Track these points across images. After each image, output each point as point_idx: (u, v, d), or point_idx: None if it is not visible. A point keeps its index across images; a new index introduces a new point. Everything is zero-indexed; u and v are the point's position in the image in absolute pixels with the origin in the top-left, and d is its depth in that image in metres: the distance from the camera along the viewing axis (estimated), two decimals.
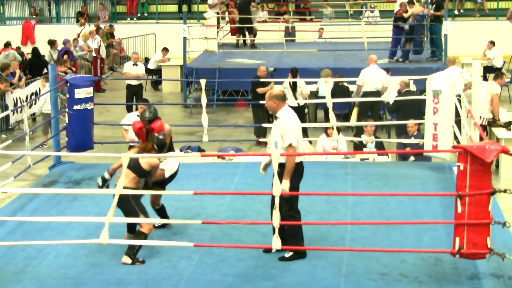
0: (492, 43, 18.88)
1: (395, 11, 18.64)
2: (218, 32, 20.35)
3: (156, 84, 20.40)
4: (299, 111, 14.75)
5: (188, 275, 6.81)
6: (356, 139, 11.88)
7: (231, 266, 6.98)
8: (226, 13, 20.93)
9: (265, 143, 12.95)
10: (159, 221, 7.61)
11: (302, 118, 14.74)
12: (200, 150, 11.28)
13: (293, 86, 14.33)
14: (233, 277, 6.76)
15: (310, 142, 11.86)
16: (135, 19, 26.54)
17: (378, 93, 13.93)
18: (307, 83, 14.38)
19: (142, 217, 7.03)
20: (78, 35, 21.49)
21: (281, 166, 6.86)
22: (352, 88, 14.79)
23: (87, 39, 21.25)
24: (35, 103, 14.95)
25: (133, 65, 16.11)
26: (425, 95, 10.14)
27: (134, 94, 16.05)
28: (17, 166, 10.25)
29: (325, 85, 12.87)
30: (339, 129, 12.15)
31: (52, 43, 20.60)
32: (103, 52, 21.35)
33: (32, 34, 24.88)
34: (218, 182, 9.06)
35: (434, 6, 17.88)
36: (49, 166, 10.55)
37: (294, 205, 7.10)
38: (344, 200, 8.47)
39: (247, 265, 6.99)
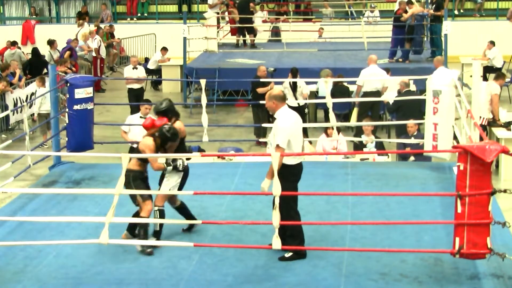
0: (492, 43, 18.88)
1: (394, 11, 18.66)
2: (218, 32, 20.35)
3: (156, 84, 20.39)
4: (299, 111, 14.76)
5: (188, 275, 6.81)
6: (356, 139, 11.88)
7: (231, 266, 6.98)
8: (226, 13, 20.94)
9: (265, 143, 12.95)
10: (160, 221, 7.60)
11: (302, 118, 14.72)
12: (200, 150, 11.28)
13: (293, 86, 14.33)
14: (233, 277, 6.76)
15: (310, 142, 11.87)
16: (135, 19, 26.56)
17: (378, 93, 13.93)
18: (307, 83, 14.38)
19: (141, 201, 7.21)
20: (76, 35, 21.46)
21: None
22: (352, 88, 14.80)
23: (87, 39, 21.25)
24: (34, 104, 14.93)
25: (133, 68, 15.91)
26: (425, 95, 10.14)
27: (136, 97, 15.66)
28: (17, 166, 10.25)
29: (325, 85, 12.87)
30: (339, 129, 12.15)
31: (51, 43, 20.60)
32: (103, 52, 21.34)
33: (32, 34, 24.89)
34: (218, 182, 9.06)
35: (434, 6, 17.88)
36: (49, 166, 10.55)
37: (292, 206, 7.09)
38: (344, 200, 8.47)
39: (247, 265, 6.99)
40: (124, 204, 8.13)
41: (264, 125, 11.90)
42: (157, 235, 7.40)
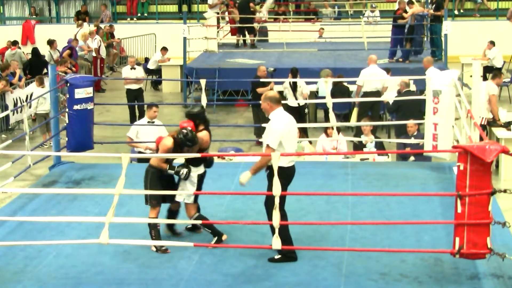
0: (492, 43, 18.87)
1: (394, 11, 18.66)
2: (218, 32, 20.35)
3: (156, 84, 20.39)
4: (299, 111, 14.78)
5: (188, 275, 6.81)
6: (356, 139, 11.88)
7: (231, 266, 6.98)
8: (226, 13, 20.94)
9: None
10: (162, 221, 7.60)
11: (302, 118, 14.77)
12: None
13: (293, 86, 14.33)
14: (233, 277, 6.76)
15: (310, 142, 11.87)
16: (135, 19, 26.56)
17: (378, 93, 13.93)
18: (307, 83, 14.38)
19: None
20: (75, 36, 21.45)
21: (269, 167, 6.93)
22: (352, 88, 14.80)
23: (86, 39, 21.25)
24: (31, 104, 14.88)
25: (131, 69, 15.76)
26: (425, 95, 10.14)
27: (135, 98, 15.65)
28: (17, 166, 10.26)
29: (325, 85, 12.87)
30: (339, 129, 12.15)
31: (51, 43, 20.60)
32: (103, 52, 21.34)
33: (32, 34, 24.89)
34: (218, 182, 9.05)
35: (434, 6, 17.88)
36: (49, 166, 10.55)
37: (281, 207, 7.08)
38: (344, 200, 8.47)
39: (247, 265, 6.99)
40: (124, 204, 8.16)
41: (264, 125, 11.77)
42: (215, 234, 7.39)
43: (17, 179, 9.97)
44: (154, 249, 7.28)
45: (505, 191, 6.16)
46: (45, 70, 17.37)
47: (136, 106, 15.55)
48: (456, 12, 24.86)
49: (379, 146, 11.80)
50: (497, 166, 12.02)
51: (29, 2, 27.11)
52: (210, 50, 19.62)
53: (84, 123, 10.41)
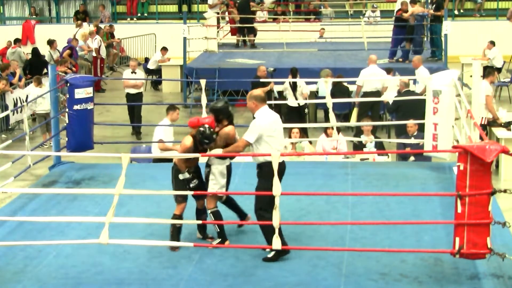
0: (492, 43, 18.87)
1: (395, 11, 18.65)
2: (218, 32, 20.35)
3: (156, 84, 20.39)
4: (299, 111, 14.79)
5: (188, 275, 6.81)
6: (356, 139, 11.88)
7: (231, 266, 6.98)
8: (226, 13, 20.94)
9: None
10: (161, 221, 7.60)
11: (302, 118, 14.78)
12: None
13: (293, 86, 14.33)
14: (233, 277, 6.76)
15: (310, 142, 11.87)
16: (135, 19, 26.56)
17: (378, 93, 13.93)
18: (307, 83, 14.39)
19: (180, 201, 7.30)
20: (74, 36, 21.45)
21: (259, 166, 7.07)
22: (352, 88, 14.80)
23: (86, 39, 21.25)
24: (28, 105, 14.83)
25: (132, 73, 15.27)
26: (425, 95, 10.14)
27: (133, 102, 15.27)
28: (17, 166, 10.26)
29: (325, 85, 12.87)
30: (339, 129, 12.15)
31: (51, 43, 20.60)
32: (103, 52, 21.34)
33: (32, 34, 24.88)
34: None
35: (434, 6, 17.88)
36: (49, 166, 10.55)
37: (265, 207, 7.08)
38: (344, 200, 8.47)
39: (247, 265, 6.99)
40: (124, 204, 8.16)
41: None
42: (221, 235, 7.38)
43: (17, 179, 9.97)
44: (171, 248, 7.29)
45: (505, 191, 6.16)
46: (45, 70, 17.36)
47: (135, 111, 15.28)
48: (456, 12, 24.87)
49: (379, 146, 11.80)
50: (497, 166, 12.03)
51: (29, 2, 27.11)
52: (210, 50, 19.62)
53: (84, 123, 10.41)
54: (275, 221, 6.52)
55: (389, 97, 13.55)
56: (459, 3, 25.15)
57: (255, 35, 20.73)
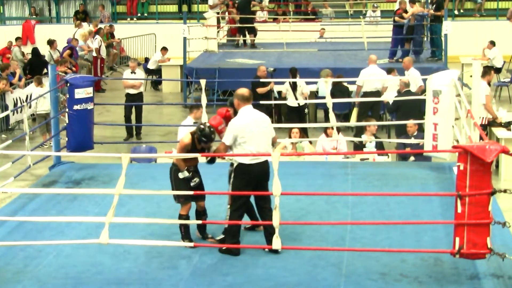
0: (492, 43, 18.87)
1: (394, 11, 18.65)
2: (218, 32, 20.35)
3: (156, 84, 20.39)
4: (299, 111, 14.79)
5: (188, 275, 6.81)
6: (356, 139, 11.88)
7: (231, 266, 6.98)
8: (226, 13, 20.94)
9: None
10: (159, 221, 7.60)
11: (302, 118, 14.78)
12: None
13: (293, 86, 14.33)
14: (233, 277, 6.76)
15: (310, 142, 11.87)
16: (135, 19, 26.56)
17: (378, 93, 13.93)
18: (307, 83, 14.38)
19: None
20: (74, 35, 21.44)
21: (235, 167, 7.17)
22: (352, 88, 14.80)
23: (86, 39, 21.25)
24: (30, 105, 14.80)
25: (131, 73, 15.14)
26: (425, 95, 10.14)
27: (132, 104, 15.08)
28: (17, 166, 10.26)
29: (325, 85, 12.87)
30: (339, 129, 12.15)
31: (51, 43, 20.59)
32: (103, 52, 21.34)
33: (32, 34, 24.88)
34: (218, 182, 9.05)
35: (434, 6, 17.88)
36: (49, 166, 10.55)
37: (238, 206, 7.20)
38: (344, 200, 8.47)
39: (247, 265, 6.99)
40: (124, 204, 8.16)
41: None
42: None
43: (17, 179, 9.97)
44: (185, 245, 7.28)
45: (505, 191, 6.16)
46: (45, 70, 17.36)
47: (134, 111, 15.16)
48: (456, 12, 24.87)
49: (379, 146, 11.80)
50: (497, 166, 12.02)
51: (29, 2, 27.11)
52: (210, 50, 19.62)
53: (84, 123, 10.40)
54: (275, 221, 6.52)
55: (389, 97, 13.55)
56: (459, 3, 25.15)
57: (255, 35, 20.73)
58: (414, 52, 17.96)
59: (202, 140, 7.21)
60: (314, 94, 15.54)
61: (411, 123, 11.36)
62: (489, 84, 12.69)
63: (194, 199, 7.43)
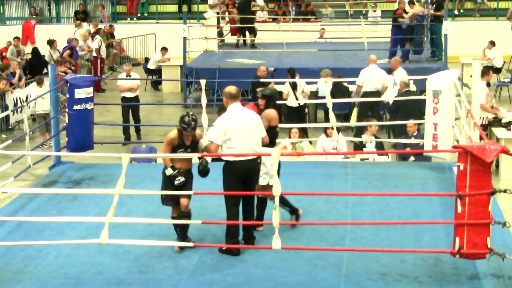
0: (492, 43, 18.87)
1: (394, 11, 18.64)
2: (218, 32, 20.35)
3: (156, 84, 20.39)
4: (299, 111, 14.79)
5: (188, 275, 6.81)
6: (356, 139, 11.88)
7: (231, 266, 6.98)
8: (226, 13, 20.93)
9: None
10: (158, 221, 7.60)
11: (302, 118, 14.77)
12: None
13: (293, 86, 14.32)
14: (233, 277, 6.76)
15: (310, 142, 11.87)
16: (135, 19, 26.55)
17: (378, 93, 13.92)
18: (307, 83, 14.38)
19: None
20: (74, 36, 21.43)
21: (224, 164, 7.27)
22: (352, 88, 14.79)
23: (86, 39, 21.24)
24: (29, 106, 14.76)
25: (127, 76, 14.93)
26: (425, 95, 10.14)
27: (129, 107, 14.85)
28: (17, 166, 10.26)
29: (325, 85, 12.87)
30: (339, 129, 12.15)
31: (51, 43, 20.59)
32: (103, 52, 21.33)
33: (32, 34, 24.87)
34: (218, 182, 9.04)
35: (434, 6, 17.87)
36: (49, 166, 10.55)
37: (229, 206, 7.23)
38: (344, 200, 8.47)
39: (247, 265, 6.99)
40: (124, 204, 8.16)
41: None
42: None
43: (17, 179, 9.97)
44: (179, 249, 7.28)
45: (505, 191, 6.16)
46: (45, 70, 17.35)
47: (133, 114, 15.01)
48: (456, 12, 24.86)
49: (379, 146, 11.80)
50: (497, 166, 12.02)
51: (29, 2, 27.11)
52: (210, 50, 19.61)
53: (84, 123, 10.41)
54: (275, 221, 6.52)
55: (389, 97, 13.54)
56: (459, 3, 25.14)
57: (255, 35, 20.72)
58: (414, 52, 17.95)
59: (182, 126, 7.17)
60: (314, 94, 15.53)
61: (411, 123, 11.36)
62: (488, 84, 12.69)
63: (177, 199, 7.36)
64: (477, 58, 14.51)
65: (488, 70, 13.32)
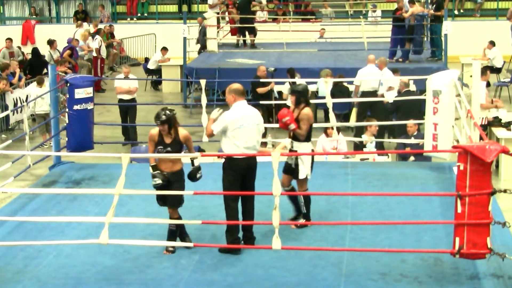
0: (492, 43, 18.87)
1: (393, 11, 18.64)
2: (218, 32, 20.34)
3: (156, 84, 20.38)
4: None
5: (188, 275, 6.81)
6: (356, 139, 11.88)
7: (231, 266, 6.98)
8: (226, 13, 20.93)
9: (265, 143, 12.95)
10: (156, 221, 7.59)
11: None
12: (200, 150, 11.26)
13: None
14: (233, 277, 6.76)
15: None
16: (135, 19, 26.55)
17: (375, 93, 13.90)
18: (307, 83, 14.35)
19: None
20: (74, 35, 21.41)
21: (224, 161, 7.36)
22: (352, 88, 14.78)
23: (86, 39, 21.23)
24: (29, 106, 14.74)
25: (124, 78, 14.53)
26: (425, 95, 10.15)
27: (127, 109, 14.64)
28: (17, 166, 10.26)
29: (325, 85, 12.86)
30: (339, 129, 12.15)
31: (51, 43, 20.57)
32: (103, 52, 21.32)
33: (32, 34, 24.87)
34: (218, 182, 9.04)
35: (434, 6, 17.87)
36: (49, 166, 10.55)
37: (228, 202, 7.27)
38: (344, 200, 8.47)
39: (247, 265, 7.00)
40: (124, 204, 8.17)
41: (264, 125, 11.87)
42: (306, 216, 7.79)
43: (17, 179, 9.97)
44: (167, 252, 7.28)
45: (505, 191, 6.16)
46: (45, 70, 17.34)
47: (129, 117, 14.76)
48: (456, 12, 24.86)
49: (379, 146, 11.79)
50: (497, 166, 12.02)
51: (29, 2, 27.10)
52: (210, 50, 19.61)
53: (84, 123, 10.41)
54: (275, 221, 6.52)
55: (389, 97, 13.54)
56: (459, 3, 25.14)
57: (255, 35, 20.72)
58: (414, 52, 17.95)
59: (157, 123, 7.24)
60: (314, 94, 15.52)
61: (411, 123, 11.36)
62: (488, 84, 12.70)
63: (158, 201, 7.36)
64: (477, 58, 14.51)
65: (485, 70, 13.31)
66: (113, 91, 19.69)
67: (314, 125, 13.81)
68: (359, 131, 12.41)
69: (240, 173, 7.26)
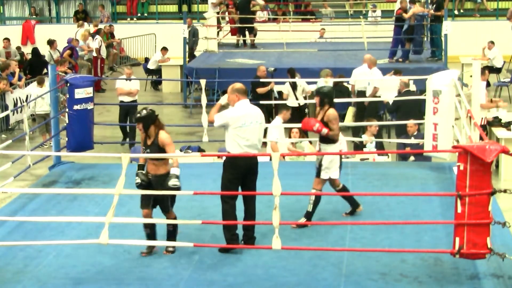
0: (492, 43, 18.87)
1: (395, 11, 18.64)
2: (218, 32, 20.34)
3: (156, 84, 20.38)
4: (299, 111, 14.76)
5: (188, 275, 6.81)
6: (356, 139, 11.87)
7: (231, 266, 6.98)
8: (226, 13, 20.93)
9: (265, 143, 12.95)
10: (155, 221, 7.59)
11: (303, 118, 14.70)
12: (200, 150, 11.27)
13: (293, 86, 14.32)
14: (233, 277, 6.76)
15: (310, 142, 11.86)
16: (135, 19, 26.55)
17: (365, 93, 13.85)
18: (307, 83, 14.37)
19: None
20: (75, 35, 21.42)
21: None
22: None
23: (86, 39, 21.23)
24: (29, 106, 14.72)
25: (126, 80, 14.41)
26: (425, 95, 10.14)
27: (127, 111, 14.47)
28: (17, 166, 10.26)
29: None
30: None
31: (51, 42, 20.58)
32: (103, 52, 21.32)
33: (32, 34, 24.87)
34: (218, 182, 9.04)
35: (434, 6, 17.87)
36: (49, 166, 10.55)
37: (226, 198, 7.27)
38: (344, 200, 8.46)
39: (247, 265, 7.00)
40: (124, 204, 8.16)
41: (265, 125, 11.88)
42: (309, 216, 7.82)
43: (17, 179, 9.97)
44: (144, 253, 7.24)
45: (505, 191, 6.16)
46: (45, 70, 17.34)
47: (129, 119, 14.73)
48: (456, 12, 24.86)
49: (379, 146, 11.79)
50: (497, 166, 12.02)
51: (29, 2, 27.10)
52: (210, 50, 19.61)
53: (84, 123, 10.41)
54: (275, 221, 6.52)
55: (389, 97, 13.53)
56: (459, 3, 25.14)
57: (255, 35, 20.72)
58: (414, 52, 17.94)
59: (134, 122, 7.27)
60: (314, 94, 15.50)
61: (411, 123, 11.35)
62: (488, 84, 12.69)
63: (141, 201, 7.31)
64: (477, 58, 14.51)
65: (484, 70, 13.32)
66: (113, 91, 19.70)
67: None
68: (356, 131, 12.38)
69: (240, 172, 7.26)
